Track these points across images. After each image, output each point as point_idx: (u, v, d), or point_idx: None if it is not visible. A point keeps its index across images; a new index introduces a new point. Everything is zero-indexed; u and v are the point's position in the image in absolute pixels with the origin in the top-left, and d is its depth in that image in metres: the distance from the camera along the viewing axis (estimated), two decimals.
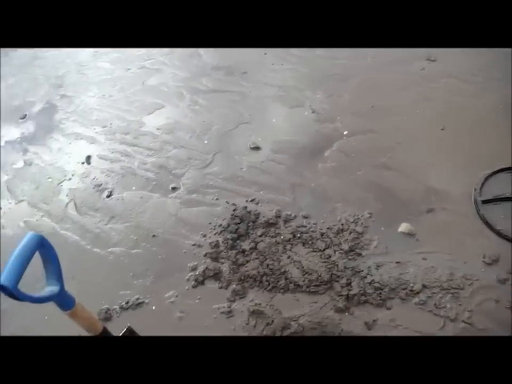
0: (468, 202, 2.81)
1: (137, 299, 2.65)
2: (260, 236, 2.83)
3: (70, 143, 3.94)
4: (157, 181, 3.39)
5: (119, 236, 3.07)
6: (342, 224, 2.82)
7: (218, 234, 2.90)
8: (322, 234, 2.77)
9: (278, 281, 2.58)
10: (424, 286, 2.43)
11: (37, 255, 1.45)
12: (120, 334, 2.00)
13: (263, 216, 2.95)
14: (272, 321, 2.41)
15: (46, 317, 2.60)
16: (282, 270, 2.62)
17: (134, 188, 3.40)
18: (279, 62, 4.20)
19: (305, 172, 3.20)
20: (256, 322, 2.44)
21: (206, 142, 3.58)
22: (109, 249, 2.99)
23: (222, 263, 2.74)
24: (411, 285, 2.44)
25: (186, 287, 2.67)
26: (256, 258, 2.71)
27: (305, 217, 2.91)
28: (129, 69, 4.61)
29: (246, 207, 3.02)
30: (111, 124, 4.00)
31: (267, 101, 3.82)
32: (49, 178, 3.69)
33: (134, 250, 2.94)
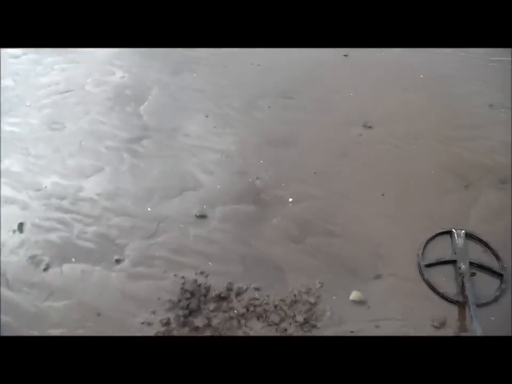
0: (412, 266, 2.98)
1: None
2: (213, 311, 2.81)
3: None
4: (99, 252, 3.26)
5: (60, 315, 2.89)
6: (295, 295, 2.87)
7: (169, 311, 2.83)
8: (276, 307, 2.80)
9: None
10: None
11: None
12: None
13: (214, 290, 2.93)
14: None
15: None
16: None
17: (73, 259, 3.23)
18: (221, 125, 4.26)
19: (253, 240, 3.23)
20: None
21: (149, 209, 3.51)
22: (49, 331, 2.79)
23: None
24: None
25: None
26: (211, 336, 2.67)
27: (257, 289, 2.93)
28: (65, 127, 4.44)
29: (196, 280, 2.98)
30: (45, 187, 3.80)
31: (210, 166, 3.83)
32: None
33: (78, 331, 2.78)
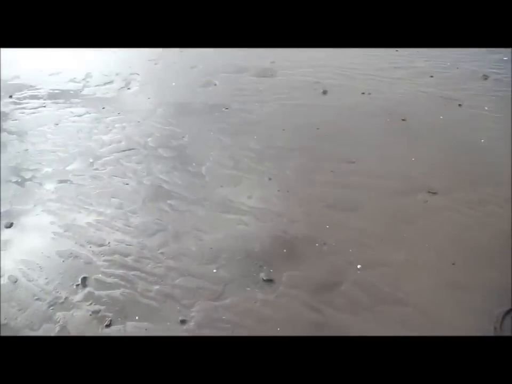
0: None
1: None
2: None
3: (63, 261, 3.71)
4: (163, 311, 3.19)
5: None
6: None
7: None
8: None
9: None
10: None
11: None
12: None
13: None
14: None
15: None
16: None
17: (137, 317, 3.18)
18: (284, 189, 4.26)
19: (322, 306, 3.12)
20: None
21: (214, 270, 3.47)
22: None
23: None
24: None
25: None
26: None
27: None
28: (127, 184, 4.53)
29: None
30: (109, 243, 3.82)
31: (276, 230, 3.80)
32: (37, 299, 3.41)
33: None
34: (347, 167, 4.43)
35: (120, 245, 3.80)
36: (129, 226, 3.99)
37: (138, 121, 5.67)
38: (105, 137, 5.40)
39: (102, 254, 3.74)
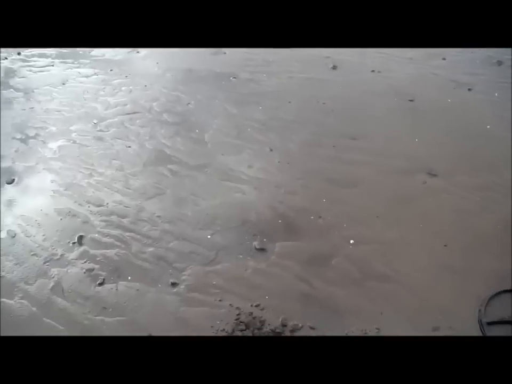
0: (472, 322, 2.85)
1: None
2: None
3: (61, 219, 3.75)
4: (155, 273, 3.24)
5: (110, 330, 2.87)
6: None
7: None
8: None
9: None
10: None
11: None
12: None
13: (269, 324, 2.86)
14: None
15: None
16: None
17: (129, 278, 3.23)
18: (285, 161, 4.26)
19: (312, 279, 3.15)
20: None
21: (209, 236, 3.50)
22: None
23: None
24: None
25: None
26: None
27: (312, 328, 2.83)
28: (129, 147, 4.54)
29: (251, 313, 2.91)
30: (107, 204, 3.86)
31: (273, 200, 3.81)
32: (33, 254, 3.46)
33: None
34: (350, 143, 4.40)
35: (118, 206, 3.83)
36: (128, 188, 4.02)
37: (145, 85, 5.64)
38: (111, 100, 5.39)
39: (99, 214, 3.77)
